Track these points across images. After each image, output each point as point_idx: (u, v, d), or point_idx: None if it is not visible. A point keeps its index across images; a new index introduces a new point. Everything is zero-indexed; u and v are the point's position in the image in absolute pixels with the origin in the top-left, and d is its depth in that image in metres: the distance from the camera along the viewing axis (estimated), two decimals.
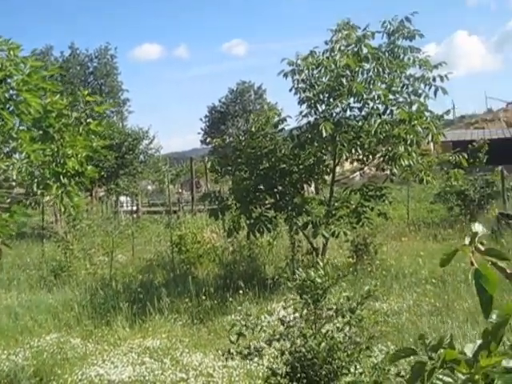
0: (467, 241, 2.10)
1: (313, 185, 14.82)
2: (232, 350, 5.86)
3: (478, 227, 2.15)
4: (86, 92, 7.44)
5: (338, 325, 5.86)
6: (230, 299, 11.09)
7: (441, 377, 1.58)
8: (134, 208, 30.28)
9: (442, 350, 1.87)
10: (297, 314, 5.96)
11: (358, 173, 27.69)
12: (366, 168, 16.23)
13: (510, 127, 41.84)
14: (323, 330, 5.73)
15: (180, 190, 43.44)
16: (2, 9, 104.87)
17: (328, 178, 12.97)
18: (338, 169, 13.86)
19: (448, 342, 1.99)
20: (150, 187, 44.62)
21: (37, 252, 18.15)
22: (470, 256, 1.98)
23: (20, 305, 12.21)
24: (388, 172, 12.60)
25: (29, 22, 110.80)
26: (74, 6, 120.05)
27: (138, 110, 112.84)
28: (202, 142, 61.37)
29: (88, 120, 7.12)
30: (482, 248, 2.03)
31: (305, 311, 5.81)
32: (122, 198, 33.24)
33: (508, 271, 1.97)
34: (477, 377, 1.54)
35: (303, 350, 5.57)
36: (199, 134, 64.15)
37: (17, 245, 18.05)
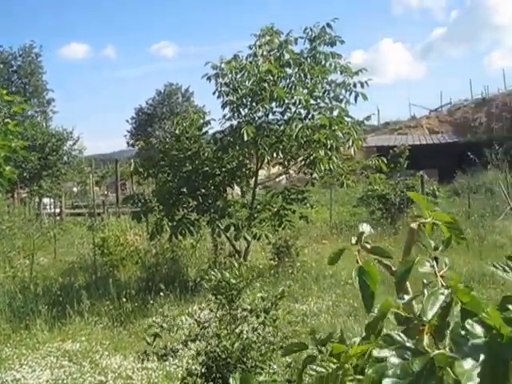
0: (354, 240, 2.21)
1: (239, 188, 14.92)
2: (148, 351, 5.87)
3: (365, 227, 2.26)
4: (5, 91, 7.30)
5: (252, 325, 5.94)
6: (151, 302, 11.04)
7: (314, 367, 1.67)
8: (58, 210, 29.67)
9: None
10: (212, 315, 6.02)
11: (283, 176, 27.98)
12: (291, 172, 16.44)
13: (431, 134, 43.13)
14: (237, 330, 5.79)
15: (106, 192, 42.91)
16: None
17: (251, 181, 13.08)
18: (263, 172, 14.00)
19: (339, 337, 2.09)
20: (75, 189, 43.86)
21: None
22: (356, 254, 2.08)
23: None
24: (309, 176, 12.79)
25: None
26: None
27: (64, 110, 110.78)
28: (128, 144, 60.77)
29: (6, 120, 7.00)
30: (368, 246, 2.14)
31: (220, 312, 5.87)
32: (46, 200, 32.56)
33: (393, 268, 2.08)
34: (347, 366, 1.62)
35: (217, 350, 5.62)
36: (125, 136, 63.55)
37: None
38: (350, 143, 12.14)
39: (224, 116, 12.40)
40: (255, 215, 12.45)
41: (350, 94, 12.26)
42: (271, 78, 11.68)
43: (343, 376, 1.59)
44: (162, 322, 5.92)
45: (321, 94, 12.28)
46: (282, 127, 12.01)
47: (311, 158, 11.75)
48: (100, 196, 36.03)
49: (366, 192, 20.32)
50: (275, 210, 12.77)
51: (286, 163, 12.85)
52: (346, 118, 12.25)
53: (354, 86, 12.25)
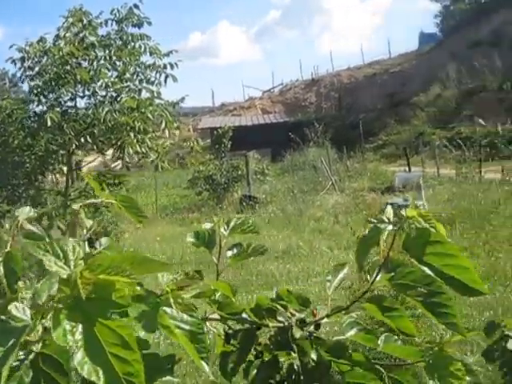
0: (7, 226, 2.16)
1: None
2: None
3: (22, 211, 2.21)
4: None
5: None
6: None
7: None
8: None
9: None
10: None
11: (119, 161, 27.55)
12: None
13: (265, 114, 44.17)
14: None
15: None
16: None
17: (64, 167, 12.69)
18: (100, 159, 13.63)
19: None
20: None
21: None
22: (9, 240, 2.03)
23: None
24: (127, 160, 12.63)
25: None
26: None
27: None
28: None
29: None
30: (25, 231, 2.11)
31: None
32: None
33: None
34: None
35: None
36: None
37: None
38: (163, 125, 12.07)
39: (31, 101, 11.93)
40: (69, 203, 12.10)
41: (160, 76, 12.19)
42: (75, 61, 11.34)
43: None
44: None
45: (130, 77, 12.09)
46: (90, 111, 11.70)
47: (120, 142, 11.58)
48: None
49: (193, 173, 20.49)
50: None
51: (99, 148, 12.54)
52: (158, 100, 12.15)
53: (165, 67, 12.18)
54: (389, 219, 1.24)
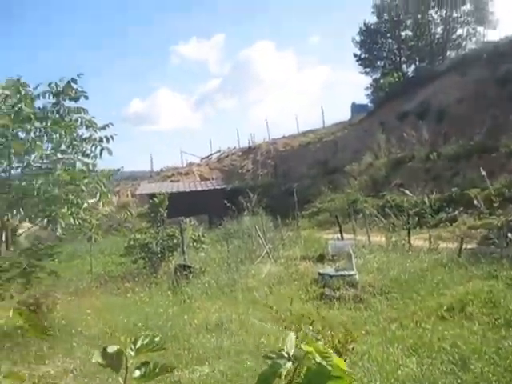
0: None
1: None
2: None
3: None
4: None
5: None
6: None
7: None
8: None
9: None
10: None
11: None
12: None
13: (203, 180, 44.57)
14: None
15: None
16: None
17: None
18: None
19: None
20: None
21: None
22: None
23: None
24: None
25: None
26: None
27: None
28: None
29: None
30: None
31: None
32: None
33: None
34: None
35: None
36: None
37: None
38: (98, 197, 12.19)
39: None
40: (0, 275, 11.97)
41: (96, 148, 12.36)
42: (10, 133, 11.42)
43: None
44: None
45: (66, 149, 12.22)
46: (24, 183, 11.71)
47: (53, 214, 11.60)
48: None
49: (129, 241, 20.41)
50: (23, 267, 12.39)
51: (31, 219, 12.50)
52: (93, 173, 12.29)
53: (101, 140, 12.37)
54: (288, 354, 1.36)
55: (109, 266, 22.60)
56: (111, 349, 1.57)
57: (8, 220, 12.33)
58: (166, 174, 49.24)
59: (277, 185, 40.82)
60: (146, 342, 1.63)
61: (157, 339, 1.65)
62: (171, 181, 45.08)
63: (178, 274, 17.19)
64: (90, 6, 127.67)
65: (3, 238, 12.70)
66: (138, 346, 1.59)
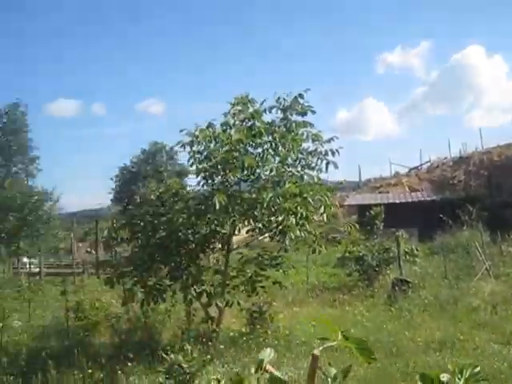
0: (253, 370, 2.32)
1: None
2: None
3: (265, 353, 2.36)
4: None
5: None
6: (120, 371, 10.89)
7: None
8: (37, 269, 29.47)
9: None
10: None
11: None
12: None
13: (412, 191, 43.51)
14: None
15: (89, 250, 42.70)
16: None
17: (224, 247, 13.12)
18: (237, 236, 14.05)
19: None
20: (62, 245, 43.61)
21: None
22: None
23: None
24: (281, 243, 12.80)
25: None
26: None
27: (49, 166, 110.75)
28: (112, 201, 60.78)
29: None
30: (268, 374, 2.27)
31: None
32: (25, 260, 32.31)
33: None
34: None
35: None
36: (110, 193, 63.67)
37: None
38: (322, 210, 12.27)
39: (198, 183, 12.57)
40: (228, 282, 12.48)
41: (322, 162, 12.47)
42: (242, 147, 11.88)
43: None
44: None
45: (293, 162, 12.46)
46: (253, 195, 12.10)
47: (281, 226, 11.86)
48: (85, 253, 35.83)
49: (343, 254, 20.44)
50: (249, 275, 12.82)
51: (257, 231, 12.88)
52: (317, 186, 12.39)
53: (326, 153, 12.45)
54: None
55: (322, 276, 22.83)
56: (444, 377, 1.54)
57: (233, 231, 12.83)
58: (373, 184, 48.79)
59: (490, 197, 38.68)
60: (474, 372, 1.54)
61: (476, 370, 1.59)
62: (379, 192, 44.55)
63: (396, 288, 16.87)
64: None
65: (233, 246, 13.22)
66: (465, 375, 1.53)
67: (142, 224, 13.08)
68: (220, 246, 13.18)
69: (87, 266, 28.87)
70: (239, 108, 12.49)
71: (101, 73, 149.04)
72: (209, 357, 6.42)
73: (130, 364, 11.03)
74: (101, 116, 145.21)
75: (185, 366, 5.69)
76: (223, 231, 12.78)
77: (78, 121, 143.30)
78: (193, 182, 13.20)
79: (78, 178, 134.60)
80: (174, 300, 13.60)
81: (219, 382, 6.11)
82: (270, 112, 12.85)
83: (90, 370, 10.83)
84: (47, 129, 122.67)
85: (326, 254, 26.10)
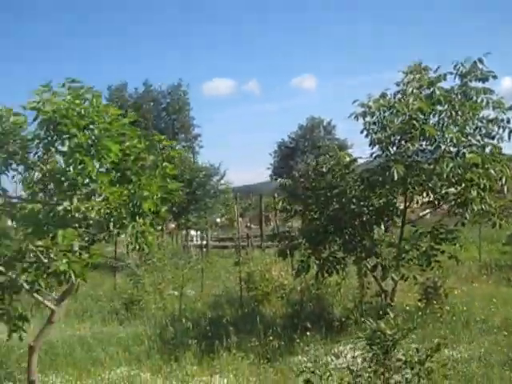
0: None
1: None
2: None
3: None
4: (163, 137, 7.72)
5: (406, 376, 5.79)
6: (297, 340, 11.04)
7: None
8: (204, 242, 30.62)
9: None
10: (365, 364, 5.92)
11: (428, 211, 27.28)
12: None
13: None
14: (392, 382, 5.68)
15: (249, 224, 43.78)
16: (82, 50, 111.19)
17: (398, 220, 12.81)
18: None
19: None
20: (218, 220, 45.04)
21: (109, 284, 18.58)
22: None
23: (93, 336, 12.52)
24: (459, 216, 12.29)
25: (105, 60, 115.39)
26: (146, 44, 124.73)
27: (208, 144, 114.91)
28: (271, 177, 61.76)
29: (164, 164, 7.35)
30: None
31: (373, 362, 5.77)
32: (192, 233, 33.67)
33: None
34: None
35: None
36: (268, 169, 64.66)
37: (90, 276, 18.47)
38: (503, 181, 11.60)
39: (371, 154, 12.35)
40: (403, 255, 12.19)
41: (504, 131, 11.78)
42: (421, 117, 11.47)
43: None
44: (313, 368, 5.91)
45: (472, 131, 11.87)
46: (431, 166, 11.68)
47: (462, 198, 11.38)
48: (244, 228, 36.79)
49: None
50: (423, 249, 12.44)
51: (435, 203, 12.46)
52: (499, 156, 11.73)
53: (508, 121, 11.76)
54: None
55: (493, 253, 21.84)
56: None
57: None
58: None
59: None
60: None
61: None
62: None
63: None
64: None
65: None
66: None
67: (313, 196, 13.10)
68: (394, 218, 12.86)
69: (252, 240, 29.58)
70: (417, 76, 12.08)
71: (253, 51, 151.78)
72: (411, 326, 6.19)
73: (308, 333, 11.12)
74: (254, 94, 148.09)
75: (388, 333, 5.60)
76: (397, 203, 12.51)
77: (231, 100, 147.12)
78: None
79: (234, 155, 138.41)
80: (345, 273, 13.53)
81: (418, 350, 6.01)
82: (445, 79, 12.29)
83: (270, 337, 11.09)
84: (205, 108, 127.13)
85: (495, 230, 25.08)
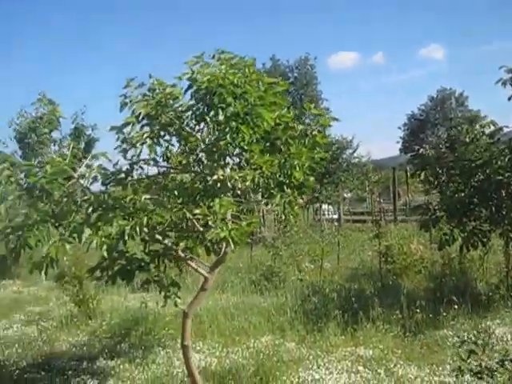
0: None
1: None
2: (462, 368, 5.69)
3: None
4: (313, 105, 7.72)
5: None
6: (443, 313, 10.82)
7: None
8: (336, 216, 30.54)
9: None
10: None
11: None
12: None
13: None
14: None
15: (378, 199, 43.17)
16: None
17: None
18: None
19: None
20: (346, 195, 44.77)
21: (246, 256, 18.96)
22: None
23: (234, 306, 12.83)
24: None
25: (232, 36, 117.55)
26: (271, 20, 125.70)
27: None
28: (401, 150, 60.60)
29: (314, 132, 7.33)
30: None
31: None
32: (324, 206, 33.63)
33: None
34: None
35: None
36: (398, 142, 63.41)
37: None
38: None
39: None
40: None
41: None
42: None
43: None
44: (475, 339, 5.74)
45: None
46: None
47: None
48: (375, 203, 36.32)
49: None
50: None
51: None
52: None
53: None
54: None
55: None
56: None
57: None
58: None
59: None
60: None
61: None
62: None
63: None
64: None
65: None
66: None
67: (456, 167, 12.69)
68: None
69: (385, 214, 29.15)
70: None
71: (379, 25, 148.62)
72: None
73: (454, 307, 10.87)
74: (380, 66, 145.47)
75: None
76: None
77: (357, 72, 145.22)
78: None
79: (361, 129, 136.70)
80: (488, 246, 13.05)
81: None
82: None
83: (416, 310, 10.93)
84: (331, 81, 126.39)
85: None
